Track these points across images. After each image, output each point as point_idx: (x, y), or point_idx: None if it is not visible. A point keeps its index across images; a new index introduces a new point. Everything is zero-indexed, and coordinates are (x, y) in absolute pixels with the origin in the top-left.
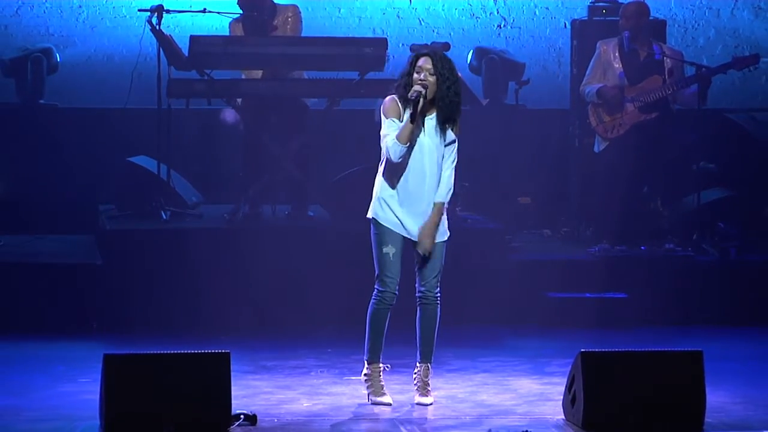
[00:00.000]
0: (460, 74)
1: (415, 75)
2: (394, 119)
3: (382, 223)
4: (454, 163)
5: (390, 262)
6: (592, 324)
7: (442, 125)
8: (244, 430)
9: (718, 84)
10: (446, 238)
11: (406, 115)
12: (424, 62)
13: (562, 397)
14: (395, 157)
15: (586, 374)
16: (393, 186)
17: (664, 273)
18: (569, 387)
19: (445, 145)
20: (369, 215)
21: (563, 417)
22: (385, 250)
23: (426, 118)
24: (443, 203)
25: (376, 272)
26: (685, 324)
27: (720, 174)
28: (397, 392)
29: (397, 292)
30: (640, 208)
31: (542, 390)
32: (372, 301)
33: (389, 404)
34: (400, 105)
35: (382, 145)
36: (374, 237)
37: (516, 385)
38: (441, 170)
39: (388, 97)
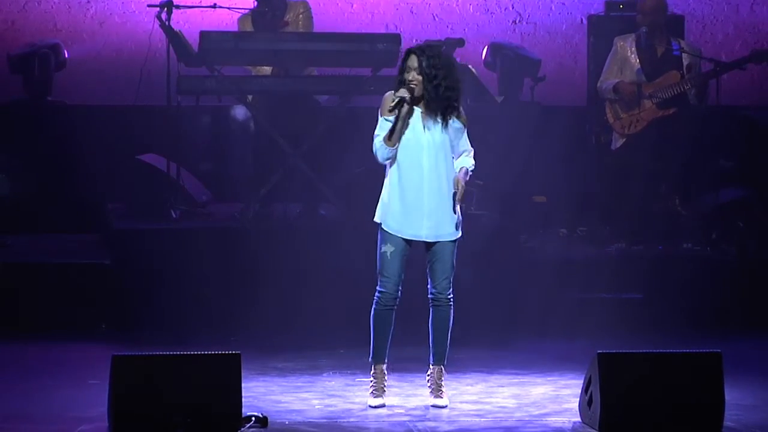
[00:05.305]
0: (474, 70)
1: (406, 74)
2: (387, 118)
3: (384, 228)
4: (470, 151)
5: (387, 260)
6: (608, 324)
7: (442, 119)
8: None
9: (736, 80)
10: (457, 238)
11: (392, 117)
12: (411, 61)
13: (578, 399)
14: (381, 159)
15: (603, 375)
16: (394, 187)
17: (681, 273)
18: (586, 388)
19: (453, 137)
20: (375, 219)
21: (579, 419)
22: (383, 249)
23: (421, 113)
24: (466, 168)
25: (377, 271)
26: (703, 324)
27: (738, 172)
28: (411, 395)
29: (398, 294)
30: (658, 207)
31: (558, 391)
32: (373, 301)
33: (379, 406)
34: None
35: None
36: (378, 237)
37: (531, 386)
38: (447, 166)
39: (387, 93)
